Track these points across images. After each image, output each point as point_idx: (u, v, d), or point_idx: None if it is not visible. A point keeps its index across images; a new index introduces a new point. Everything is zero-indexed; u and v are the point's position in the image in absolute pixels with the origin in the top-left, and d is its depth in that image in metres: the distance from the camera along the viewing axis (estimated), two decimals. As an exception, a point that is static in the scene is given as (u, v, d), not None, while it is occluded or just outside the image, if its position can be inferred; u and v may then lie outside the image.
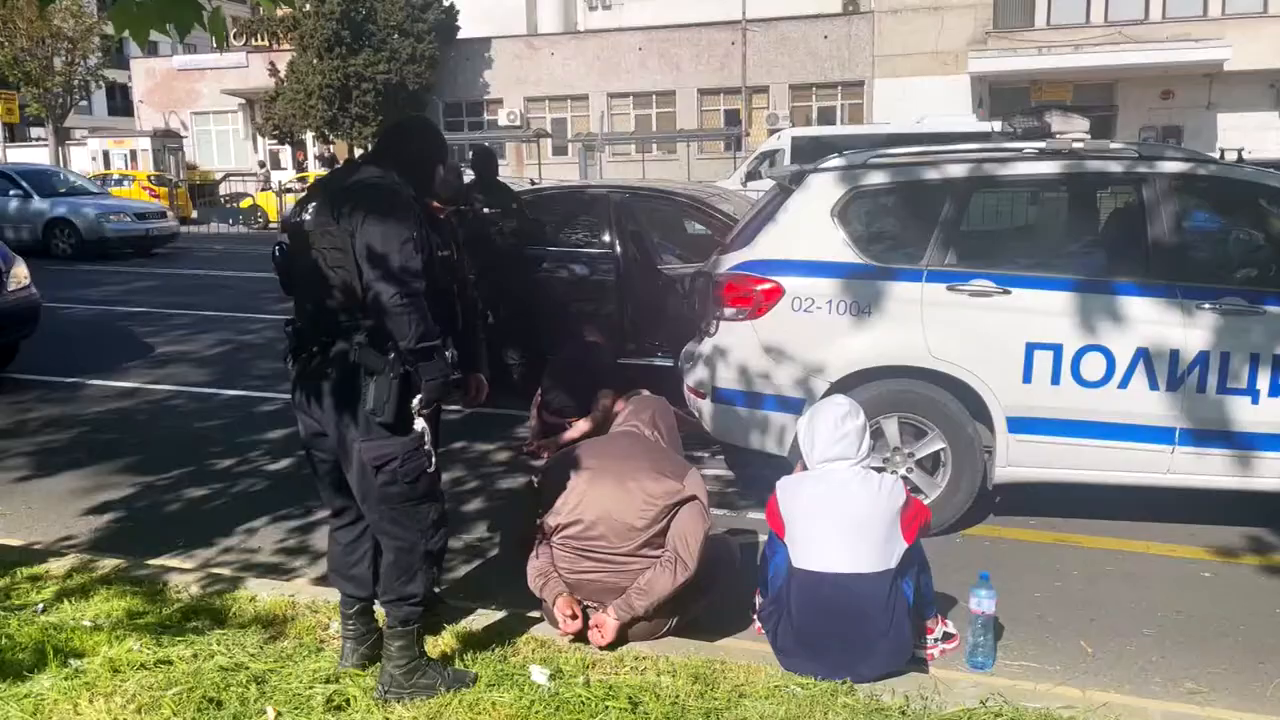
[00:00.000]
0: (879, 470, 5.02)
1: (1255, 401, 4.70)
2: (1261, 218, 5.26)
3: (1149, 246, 4.81)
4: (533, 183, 8.69)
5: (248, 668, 3.38)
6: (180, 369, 9.12)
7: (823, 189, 5.10)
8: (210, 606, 3.96)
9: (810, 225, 5.06)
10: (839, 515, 3.51)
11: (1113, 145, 5.04)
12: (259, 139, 36.90)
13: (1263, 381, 4.68)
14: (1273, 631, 4.12)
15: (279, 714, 3.11)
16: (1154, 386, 4.74)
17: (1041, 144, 5.04)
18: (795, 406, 5.03)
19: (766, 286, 5.02)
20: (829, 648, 3.38)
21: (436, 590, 3.81)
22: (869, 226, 5.06)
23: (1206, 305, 4.69)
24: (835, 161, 5.24)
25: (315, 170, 30.86)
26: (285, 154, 36.57)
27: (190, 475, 6.05)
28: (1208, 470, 4.79)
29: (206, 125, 37.79)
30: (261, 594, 4.08)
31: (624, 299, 7.41)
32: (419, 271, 3.04)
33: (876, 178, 5.07)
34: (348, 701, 3.17)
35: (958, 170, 5.01)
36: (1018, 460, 4.90)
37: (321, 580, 4.54)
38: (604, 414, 5.92)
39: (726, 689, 3.31)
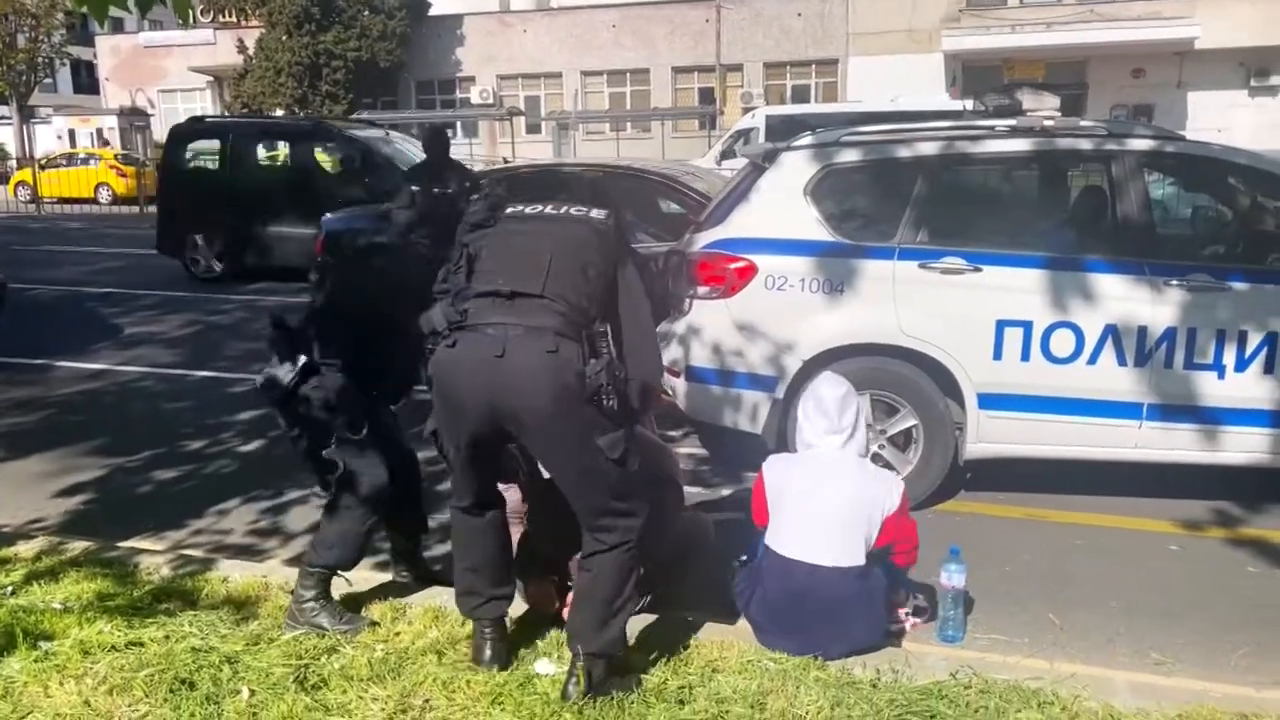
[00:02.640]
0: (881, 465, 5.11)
1: (1221, 377, 4.75)
2: (1228, 195, 5.31)
3: (1118, 224, 4.85)
4: (505, 161, 8.64)
5: (219, 649, 3.37)
6: (149, 350, 9.04)
7: (795, 167, 5.10)
8: (182, 588, 3.93)
9: (783, 203, 5.07)
10: (824, 502, 3.47)
11: (1083, 123, 5.07)
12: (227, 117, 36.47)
13: (1228, 357, 4.73)
14: (1237, 603, 4.19)
15: (253, 693, 3.10)
16: (1122, 362, 4.78)
17: (1013, 121, 5.07)
18: (768, 385, 5.06)
19: (739, 265, 5.03)
20: (801, 628, 3.39)
21: None
22: (841, 204, 5.06)
23: (1174, 282, 4.74)
24: (807, 139, 5.25)
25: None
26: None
27: (160, 457, 6.01)
28: (1175, 445, 4.85)
29: (174, 103, 37.26)
30: (234, 575, 4.06)
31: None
32: None
33: (849, 155, 5.08)
34: (324, 680, 3.17)
35: (930, 148, 5.02)
36: (988, 436, 4.95)
37: (294, 561, 4.54)
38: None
39: (699, 665, 3.33)
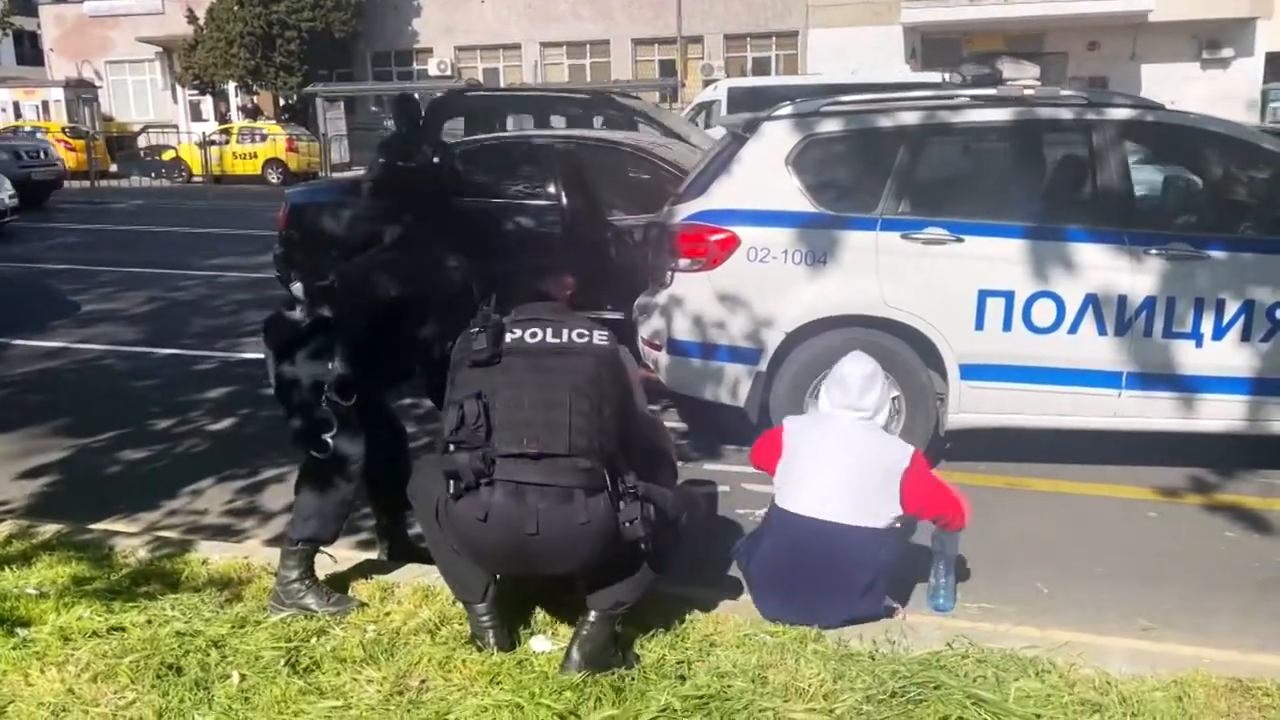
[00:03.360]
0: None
1: (1199, 345, 4.80)
2: (1206, 164, 5.34)
3: (1098, 193, 4.86)
4: (470, 81, 8.49)
5: (205, 632, 3.29)
6: (110, 328, 8.83)
7: (776, 137, 5.05)
8: (161, 571, 3.84)
9: (764, 174, 5.02)
10: (835, 460, 3.46)
11: (1063, 92, 5.07)
12: (178, 89, 35.67)
13: (1206, 325, 4.77)
14: (1218, 568, 4.24)
15: (243, 678, 3.03)
16: (1102, 332, 4.81)
17: (992, 90, 5.06)
18: (750, 357, 5.03)
19: (721, 236, 4.98)
20: (800, 585, 3.37)
21: None
22: (823, 175, 5.03)
23: (1153, 251, 4.76)
24: (787, 109, 5.20)
25: (239, 122, 29.98)
26: (207, 105, 35.43)
27: (128, 436, 5.87)
28: (1153, 413, 4.89)
29: (122, 75, 36.38)
30: (214, 556, 3.97)
31: (571, 252, 7.31)
32: None
33: (830, 125, 5.04)
34: (316, 663, 3.10)
35: (911, 118, 5.00)
36: (970, 406, 4.96)
37: (274, 541, 4.46)
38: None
39: (696, 639, 3.31)
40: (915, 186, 4.95)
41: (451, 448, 3.01)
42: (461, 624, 3.40)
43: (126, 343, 8.25)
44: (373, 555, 4.13)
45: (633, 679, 3.01)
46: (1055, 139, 5.03)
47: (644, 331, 5.31)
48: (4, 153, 17.49)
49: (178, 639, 3.23)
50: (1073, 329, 4.81)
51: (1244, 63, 26.81)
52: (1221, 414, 4.87)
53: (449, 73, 32.01)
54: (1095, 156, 4.84)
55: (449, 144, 8.36)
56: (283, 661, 3.10)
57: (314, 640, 3.28)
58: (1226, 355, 4.78)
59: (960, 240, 4.82)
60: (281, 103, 32.67)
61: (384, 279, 3.63)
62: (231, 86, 33.04)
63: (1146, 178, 5.23)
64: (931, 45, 27.93)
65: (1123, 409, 4.89)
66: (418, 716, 2.83)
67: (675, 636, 3.32)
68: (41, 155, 19.04)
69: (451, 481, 2.98)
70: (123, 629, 3.32)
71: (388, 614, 3.47)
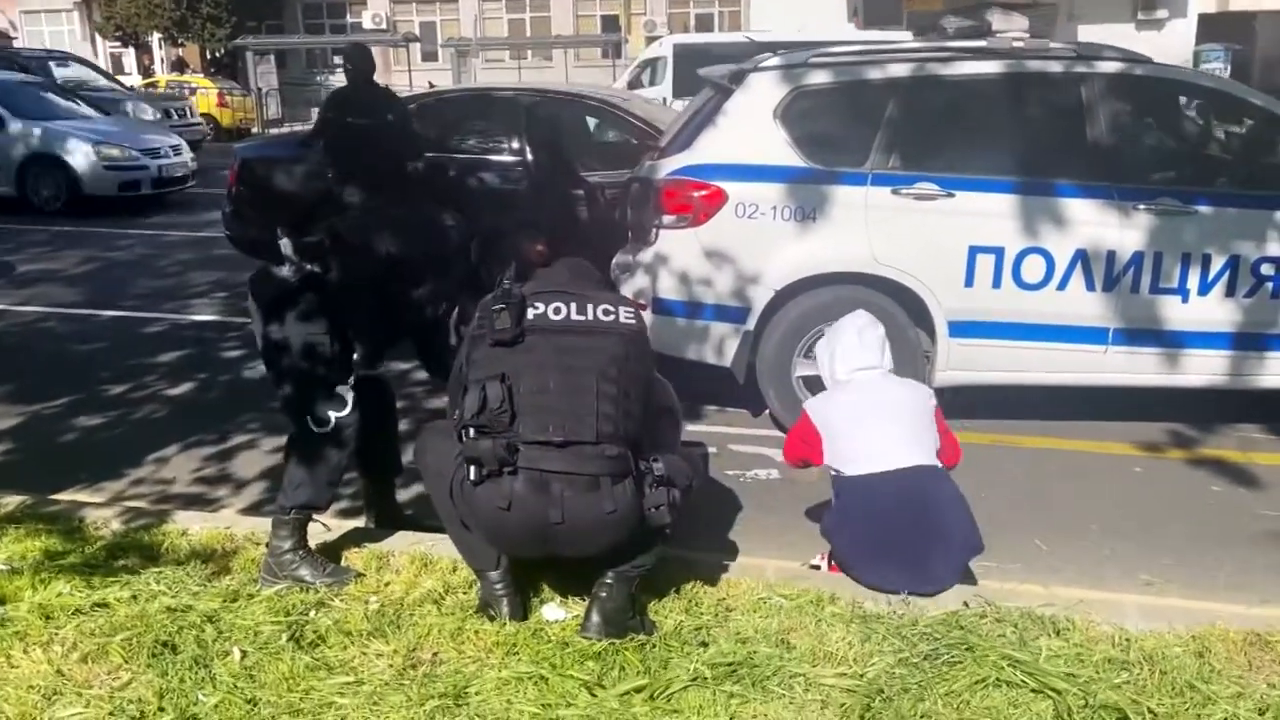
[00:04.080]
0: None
1: (1185, 300, 4.80)
2: (1194, 118, 5.33)
3: (1087, 147, 4.82)
4: (431, 85, 8.22)
5: (195, 607, 3.12)
6: (48, 288, 8.43)
7: (763, 89, 4.93)
8: (138, 543, 3.64)
9: (752, 127, 4.90)
10: (883, 413, 3.38)
11: (1052, 45, 5.01)
12: (98, 41, 34.31)
13: (1193, 281, 4.78)
14: (1209, 522, 4.28)
15: (244, 654, 2.87)
16: (1090, 288, 4.79)
17: (981, 43, 4.98)
18: (737, 316, 4.93)
19: (709, 192, 4.86)
20: (904, 549, 3.26)
21: None
22: (812, 128, 4.91)
23: (1141, 206, 4.74)
24: (774, 61, 5.07)
25: (165, 75, 28.93)
26: (129, 58, 34.13)
27: (81, 403, 5.60)
28: (1138, 369, 4.90)
29: (38, 25, 34.87)
30: (193, 527, 3.78)
31: (538, 209, 7.12)
32: None
33: (818, 77, 4.92)
34: (321, 637, 2.96)
35: (900, 70, 4.90)
36: (958, 364, 4.92)
37: (252, 510, 4.29)
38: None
39: (710, 604, 3.22)
40: (905, 140, 4.86)
41: (471, 431, 2.86)
42: (467, 593, 3.28)
43: (68, 305, 7.88)
44: (359, 523, 3.97)
45: (653, 646, 2.91)
46: (1045, 92, 4.96)
47: (626, 290, 5.17)
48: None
49: (169, 615, 3.06)
50: (1061, 285, 4.79)
51: (1177, 24, 27.22)
52: (1205, 369, 4.89)
53: (384, 26, 31.25)
54: (1085, 110, 4.79)
55: (402, 99, 8.09)
56: (285, 636, 2.95)
57: (313, 613, 3.13)
58: (1211, 310, 4.80)
59: (951, 195, 4.76)
60: (209, 56, 31.62)
61: (379, 236, 3.45)
62: (156, 38, 31.86)
63: (1135, 131, 5.18)
64: (873, 2, 27.87)
65: (1108, 365, 4.89)
66: (434, 691, 2.70)
67: (689, 602, 3.22)
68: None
69: (472, 467, 2.83)
70: (107, 605, 3.14)
71: (387, 584, 3.33)
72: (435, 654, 2.91)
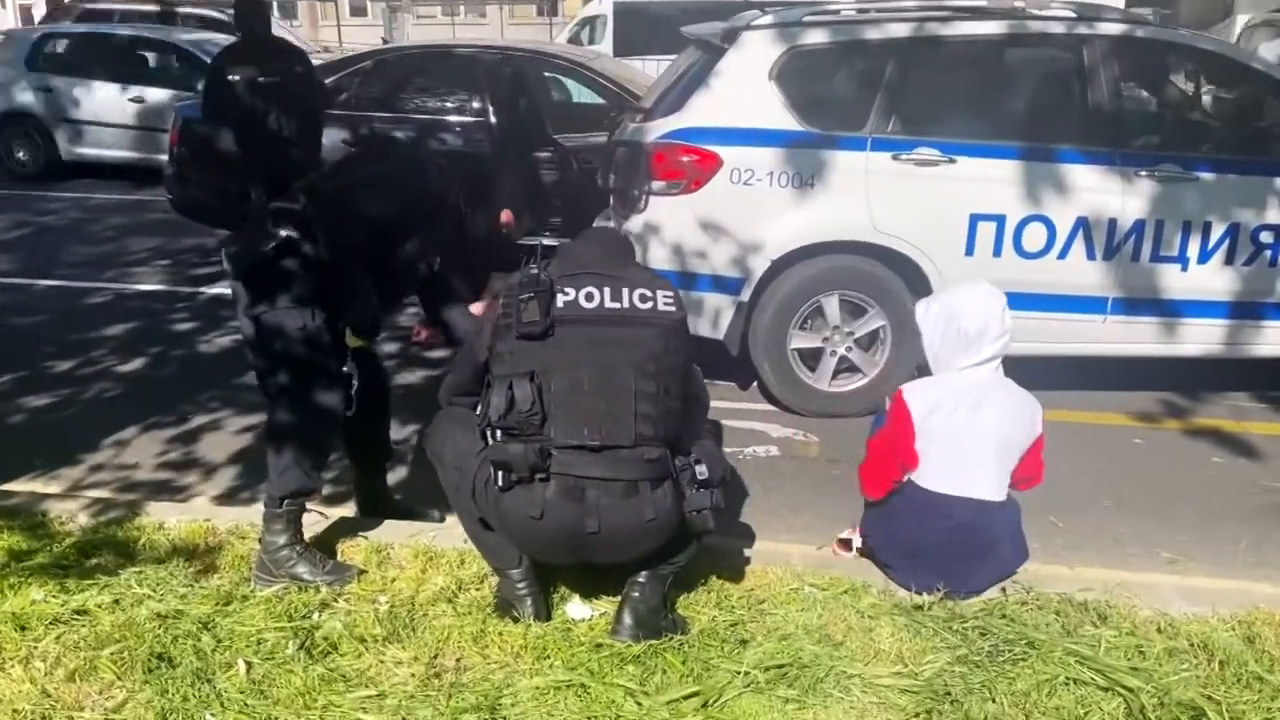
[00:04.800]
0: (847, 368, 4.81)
1: (1184, 269, 4.73)
2: (1196, 82, 5.25)
3: (1089, 111, 4.69)
4: (384, 41, 7.82)
5: (187, 613, 2.87)
6: (-26, 256, 7.93)
7: (757, 49, 4.71)
8: (111, 539, 3.35)
9: (747, 88, 4.68)
10: (978, 432, 3.03)
11: (1052, 5, 4.86)
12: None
13: (1192, 249, 4.70)
14: (1216, 496, 4.22)
15: (250, 666, 2.63)
16: (1091, 256, 4.69)
17: (980, 2, 4.82)
18: (732, 287, 4.75)
19: (702, 157, 4.64)
20: (951, 566, 3.04)
21: None
22: (809, 90, 4.71)
23: (1143, 173, 4.64)
24: (767, 19, 4.84)
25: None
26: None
27: (25, 381, 5.23)
28: (1136, 339, 4.83)
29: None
30: (170, 520, 3.49)
31: (503, 172, 6.83)
32: None
33: (814, 37, 4.72)
34: (333, 644, 2.72)
35: (899, 30, 4.72)
36: (957, 335, 4.78)
37: (226, 498, 4.02)
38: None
39: (740, 597, 3.05)
40: (904, 103, 4.68)
41: (498, 433, 2.64)
42: (479, 589, 3.07)
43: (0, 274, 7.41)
44: (346, 511, 3.73)
45: (691, 646, 2.74)
46: (1046, 54, 4.83)
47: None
48: None
49: (159, 622, 2.80)
50: (1062, 254, 4.68)
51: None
52: (1202, 339, 4.83)
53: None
54: (1086, 73, 4.66)
55: (303, 49, 7.56)
56: (293, 644, 2.71)
57: (317, 615, 2.90)
58: (1210, 279, 4.73)
59: (952, 161, 4.60)
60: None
61: (362, 194, 3.15)
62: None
63: (1137, 95, 5.08)
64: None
65: (1106, 335, 4.80)
66: (465, 703, 2.49)
67: (718, 595, 3.06)
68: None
69: (499, 472, 2.61)
70: (86, 612, 2.87)
71: (393, 581, 3.11)
72: (459, 660, 2.70)
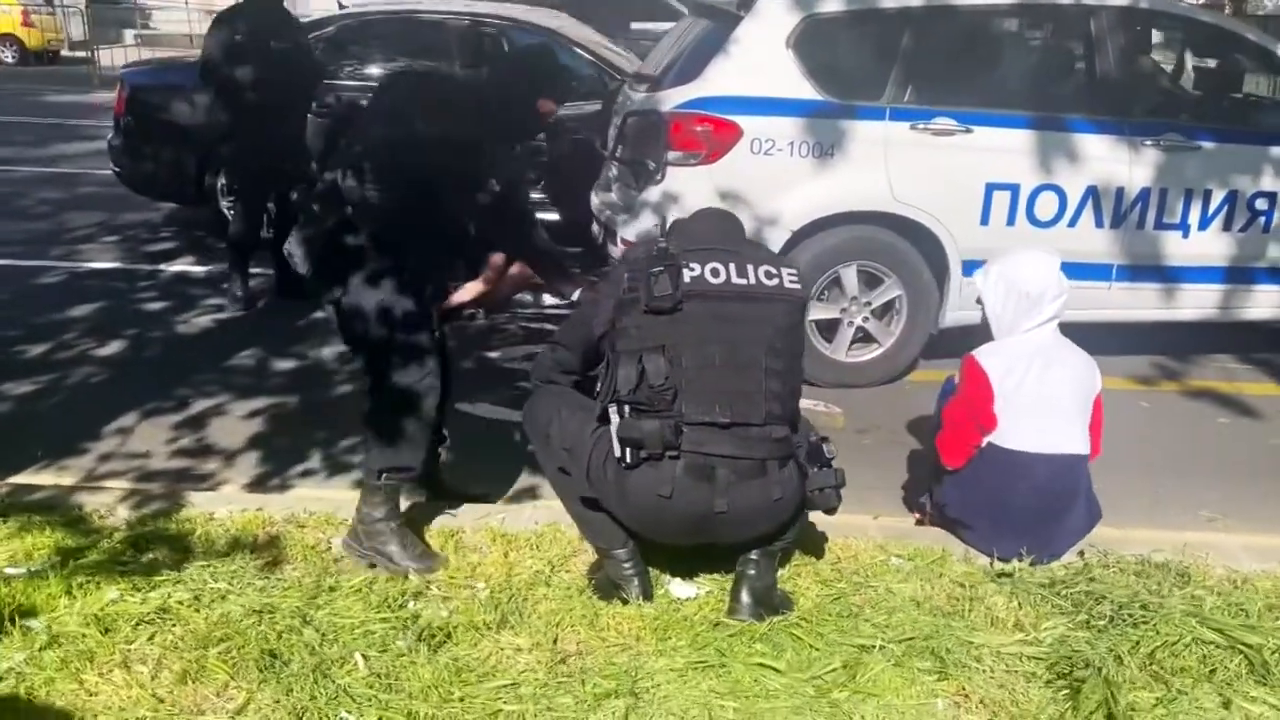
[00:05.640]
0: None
1: (1186, 236, 4.88)
2: (1197, 53, 5.39)
3: (1098, 81, 4.79)
4: (341, 6, 7.53)
5: (279, 606, 2.73)
6: (-99, 234, 7.41)
7: (775, 16, 4.67)
8: (163, 533, 3.17)
9: (764, 57, 4.65)
10: (1053, 388, 3.10)
11: (1058, -26, 4.94)
12: None
13: (1193, 216, 4.85)
14: (1233, 454, 4.39)
15: (367, 659, 2.52)
16: (1099, 224, 4.80)
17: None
18: (753, 257, 4.71)
19: (723, 126, 4.59)
20: (1034, 527, 3.09)
21: None
22: (826, 59, 4.69)
23: (1149, 142, 4.76)
24: (779, -14, 4.79)
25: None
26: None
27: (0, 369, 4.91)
28: (1139, 304, 4.97)
29: None
30: (219, 511, 3.33)
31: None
32: None
33: (831, 5, 4.70)
34: (447, 634, 2.63)
35: (914, -1, 4.73)
36: (971, 304, 4.84)
37: (257, 484, 3.86)
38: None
39: (832, 571, 3.04)
40: (921, 73, 4.70)
41: (626, 409, 2.56)
42: (569, 571, 3.00)
43: (-68, 253, 6.94)
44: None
45: (808, 621, 2.72)
46: (1056, 24, 4.90)
47: (628, 232, 4.87)
48: None
49: (255, 618, 2.66)
50: (1072, 222, 4.78)
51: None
52: (1200, 303, 5.01)
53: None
54: (1095, 43, 4.75)
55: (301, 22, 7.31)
56: (407, 635, 2.60)
57: (413, 604, 2.79)
58: (1209, 245, 4.90)
59: (969, 131, 4.65)
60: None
61: (412, 158, 2.96)
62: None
63: (1143, 65, 5.19)
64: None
65: (1112, 301, 4.93)
66: (603, 689, 2.43)
67: (812, 569, 3.05)
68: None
69: (628, 448, 2.54)
70: (168, 610, 2.71)
71: (478, 566, 3.02)
72: (579, 645, 2.63)
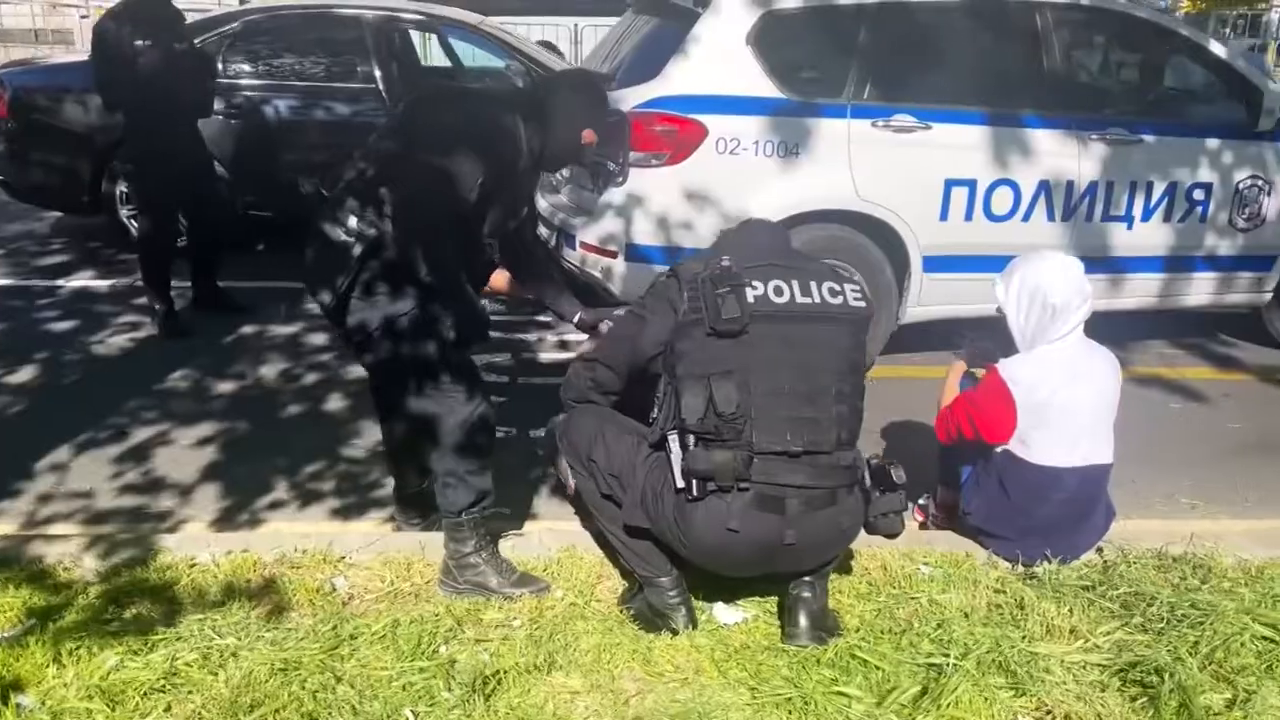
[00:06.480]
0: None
1: (1130, 227, 5.00)
2: (1134, 49, 5.52)
3: (1046, 77, 4.86)
4: (241, 2, 7.10)
5: (301, 662, 2.50)
6: None
7: (733, 13, 4.58)
8: (142, 584, 2.88)
9: (725, 55, 4.55)
10: (1081, 399, 3.05)
11: (1006, -30, 4.99)
12: None
13: (1137, 208, 4.98)
14: (1194, 440, 4.50)
15: (417, 716, 2.33)
16: (1051, 218, 4.88)
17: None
18: (720, 260, 4.62)
19: (688, 126, 4.47)
20: (1055, 532, 3.07)
21: None
22: (787, 56, 4.62)
23: (1094, 136, 4.86)
24: (734, -18, 4.70)
25: None
26: None
27: (-104, 401, 4.45)
28: (1089, 295, 5.06)
29: None
30: (200, 555, 3.04)
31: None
32: None
33: (789, 1, 4.63)
34: (498, 680, 2.44)
35: (868, -6, 4.70)
36: (929, 299, 4.88)
37: (223, 520, 3.58)
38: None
39: (864, 584, 2.97)
40: (879, 69, 4.68)
41: (690, 439, 2.43)
42: (598, 599, 2.86)
43: None
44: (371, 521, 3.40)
45: (865, 640, 2.64)
46: (1005, 21, 4.93)
47: (588, 236, 4.71)
48: None
49: (281, 677, 2.43)
50: (1026, 217, 4.85)
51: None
52: (1139, 291, 5.15)
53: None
54: (1042, 39, 4.81)
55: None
56: (455, 684, 2.41)
57: (445, 648, 2.60)
58: (1150, 236, 5.03)
59: (928, 128, 4.66)
60: None
61: (451, 190, 2.79)
62: None
63: (1087, 62, 5.29)
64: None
65: (1061, 292, 5.00)
66: (676, 732, 2.30)
67: (848, 583, 2.96)
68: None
69: (694, 481, 2.41)
70: (176, 674, 2.46)
71: (507, 598, 2.83)
72: (638, 684, 2.49)
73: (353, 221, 2.74)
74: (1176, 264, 5.13)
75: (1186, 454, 4.34)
